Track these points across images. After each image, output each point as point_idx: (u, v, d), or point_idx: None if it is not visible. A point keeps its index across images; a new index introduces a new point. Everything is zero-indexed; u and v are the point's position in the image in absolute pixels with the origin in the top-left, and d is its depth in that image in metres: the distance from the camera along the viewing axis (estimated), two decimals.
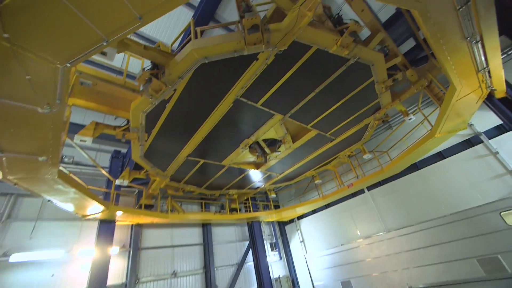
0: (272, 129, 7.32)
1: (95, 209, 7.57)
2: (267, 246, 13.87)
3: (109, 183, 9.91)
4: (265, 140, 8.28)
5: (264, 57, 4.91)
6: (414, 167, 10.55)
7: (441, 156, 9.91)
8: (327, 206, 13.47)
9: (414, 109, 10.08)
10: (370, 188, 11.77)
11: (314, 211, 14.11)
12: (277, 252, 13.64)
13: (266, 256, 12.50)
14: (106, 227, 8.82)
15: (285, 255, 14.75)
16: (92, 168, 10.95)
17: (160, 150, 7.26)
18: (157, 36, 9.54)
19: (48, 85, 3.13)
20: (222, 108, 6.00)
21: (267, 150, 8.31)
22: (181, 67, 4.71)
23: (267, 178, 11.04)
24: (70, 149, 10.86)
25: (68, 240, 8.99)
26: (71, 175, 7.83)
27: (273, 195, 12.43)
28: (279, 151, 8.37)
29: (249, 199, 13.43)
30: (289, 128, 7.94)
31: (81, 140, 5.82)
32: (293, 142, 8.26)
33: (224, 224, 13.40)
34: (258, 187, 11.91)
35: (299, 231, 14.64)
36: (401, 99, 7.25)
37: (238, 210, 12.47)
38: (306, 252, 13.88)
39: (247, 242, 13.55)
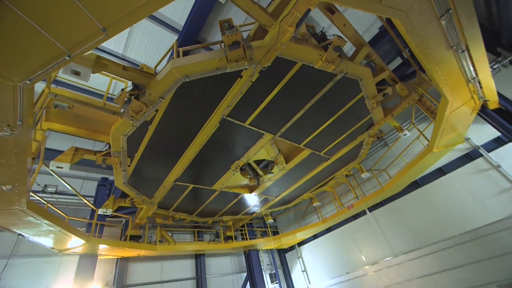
0: (263, 150, 7.02)
1: (74, 243, 6.93)
2: (267, 278, 12.77)
3: (93, 213, 9.31)
4: (257, 162, 7.93)
5: (248, 74, 4.78)
6: (416, 185, 10.11)
7: (441, 172, 9.54)
8: (329, 230, 12.71)
9: (409, 125, 9.93)
10: (371, 209, 11.18)
11: (315, 236, 13.28)
12: (277, 285, 12.52)
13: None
14: (87, 262, 8.06)
15: (287, 287, 13.55)
16: (78, 197, 10.39)
17: (145, 176, 6.86)
18: (142, 60, 9.66)
19: (6, 105, 2.87)
20: (208, 128, 5.75)
21: (259, 172, 7.92)
22: (162, 86, 4.53)
23: (263, 202, 10.48)
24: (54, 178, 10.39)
25: (44, 279, 8.15)
26: (50, 205, 7.34)
27: (271, 220, 11.73)
28: (272, 173, 7.98)
29: (245, 225, 12.66)
30: (281, 148, 7.66)
31: (57, 167, 5.45)
32: (287, 162, 7.92)
33: (219, 254, 12.46)
34: (253, 212, 11.27)
35: (300, 259, 13.64)
36: (393, 115, 7.09)
37: (233, 238, 11.66)
38: (310, 283, 12.78)
39: (245, 274, 12.49)
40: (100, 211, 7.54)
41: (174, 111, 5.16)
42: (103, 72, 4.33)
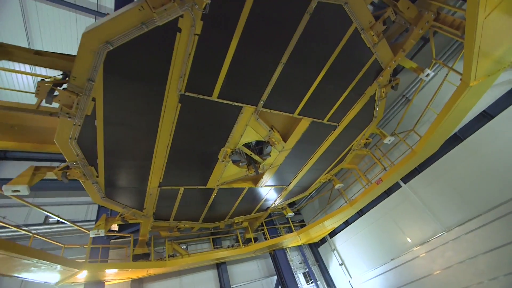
0: (249, 129, 5.78)
1: (65, 273, 6.26)
2: (300, 278, 11.36)
3: (97, 239, 8.74)
4: (249, 146, 6.72)
5: (188, 24, 3.63)
6: (456, 139, 8.15)
7: (487, 116, 7.52)
8: (360, 213, 11.00)
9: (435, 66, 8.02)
10: (406, 179, 9.33)
11: (346, 223, 11.62)
12: (313, 284, 11.04)
13: None
14: None
15: (327, 286, 11.99)
16: (85, 222, 9.98)
17: (123, 186, 5.98)
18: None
19: None
20: (168, 112, 4.68)
21: (254, 157, 6.69)
22: (82, 62, 3.55)
23: (275, 194, 9.18)
24: (57, 208, 10.10)
25: None
26: (40, 237, 6.79)
27: (290, 214, 10.35)
28: (269, 155, 6.70)
29: (263, 224, 11.41)
30: (274, 125, 6.36)
31: (13, 191, 4.72)
32: (285, 140, 6.59)
33: (243, 260, 11.34)
34: (268, 208, 9.99)
35: (335, 252, 12.02)
36: (405, 50, 5.45)
37: (253, 240, 10.48)
38: (351, 277, 11.12)
39: (276, 277, 11.22)
40: (92, 234, 6.81)
41: (116, 98, 4.17)
42: (9, 60, 3.46)
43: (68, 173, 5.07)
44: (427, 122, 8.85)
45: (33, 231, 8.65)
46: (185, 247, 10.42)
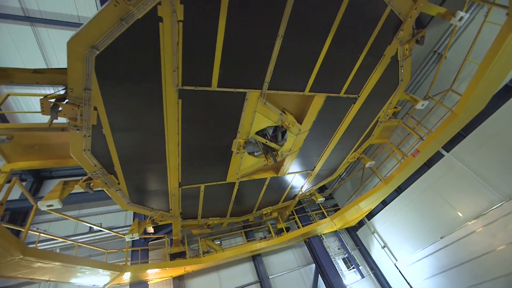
0: (259, 115, 5.43)
1: (107, 277, 6.70)
2: (340, 264, 10.89)
3: (137, 242, 9.27)
4: (265, 135, 6.38)
5: (169, 11, 3.37)
6: (508, 91, 6.86)
7: None
8: (399, 191, 10.05)
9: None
10: (448, 147, 8.21)
11: (384, 203, 10.75)
12: (354, 270, 10.49)
13: (340, 278, 9.59)
14: None
15: (370, 270, 11.34)
16: (124, 228, 10.65)
17: (146, 189, 6.10)
18: None
19: None
20: (171, 110, 4.54)
21: (270, 144, 6.34)
22: (74, 73, 3.53)
23: (301, 180, 8.75)
24: (100, 217, 10.93)
25: None
26: (84, 244, 7.32)
27: (321, 199, 9.84)
28: (284, 140, 6.29)
29: (294, 212, 11.07)
30: (286, 107, 5.91)
31: (48, 206, 5.06)
32: (300, 122, 6.11)
33: (278, 251, 11.20)
34: (295, 195, 9.61)
35: (375, 234, 11.25)
36: None
37: (284, 230, 10.23)
38: (396, 259, 10.33)
39: (314, 265, 10.90)
40: (127, 238, 7.15)
41: (116, 103, 4.13)
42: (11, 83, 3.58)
43: (91, 184, 5.27)
44: (468, 77, 7.59)
45: (80, 240, 9.52)
46: (219, 242, 10.60)
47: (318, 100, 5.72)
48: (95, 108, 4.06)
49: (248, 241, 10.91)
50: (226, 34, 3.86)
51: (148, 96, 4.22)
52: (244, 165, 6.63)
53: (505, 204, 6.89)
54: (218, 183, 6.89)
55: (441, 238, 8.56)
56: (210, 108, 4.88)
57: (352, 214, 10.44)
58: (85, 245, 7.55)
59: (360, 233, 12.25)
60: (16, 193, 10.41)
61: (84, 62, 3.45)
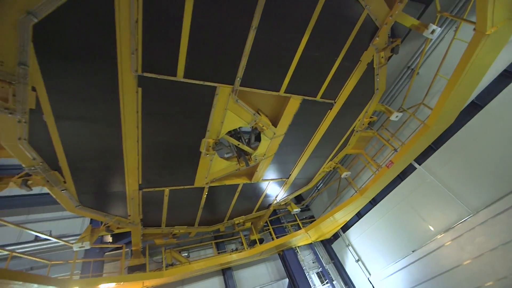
0: (230, 113, 5.06)
1: None
2: (314, 279, 10.48)
3: (91, 252, 8.24)
4: (237, 137, 6.01)
5: None
6: (474, 107, 7.15)
7: (509, 75, 6.50)
8: (373, 203, 10.03)
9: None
10: (420, 160, 8.34)
11: (359, 215, 10.65)
12: (328, 285, 10.11)
13: None
14: None
15: (344, 285, 11.02)
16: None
17: (98, 191, 5.38)
18: None
19: None
20: (128, 99, 4.04)
21: (243, 147, 5.96)
22: (6, 42, 2.96)
23: (276, 188, 8.39)
24: (52, 223, 9.70)
25: None
26: (22, 255, 6.29)
27: (296, 209, 9.52)
28: (257, 142, 5.96)
29: (268, 223, 10.62)
30: (261, 108, 5.62)
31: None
32: (275, 125, 5.83)
33: (250, 264, 10.55)
34: (270, 205, 9.20)
35: (350, 247, 11.05)
36: (402, 1, 4.62)
37: (257, 241, 9.70)
38: (370, 273, 10.13)
39: (287, 280, 10.37)
40: (75, 247, 6.25)
41: (61, 85, 3.56)
42: None
43: (29, 181, 4.51)
44: (439, 92, 7.85)
45: (21, 250, 8.28)
46: (186, 254, 9.77)
47: (294, 103, 5.50)
48: (34, 89, 3.46)
49: (219, 253, 10.18)
50: (193, 17, 3.52)
51: (101, 80, 3.70)
52: (214, 168, 6.15)
53: (471, 218, 6.99)
54: (185, 187, 6.32)
55: (413, 251, 8.51)
56: (175, 102, 4.43)
57: (327, 226, 10.20)
58: (24, 256, 6.47)
59: (335, 246, 12.00)
60: None
61: (19, 30, 2.90)
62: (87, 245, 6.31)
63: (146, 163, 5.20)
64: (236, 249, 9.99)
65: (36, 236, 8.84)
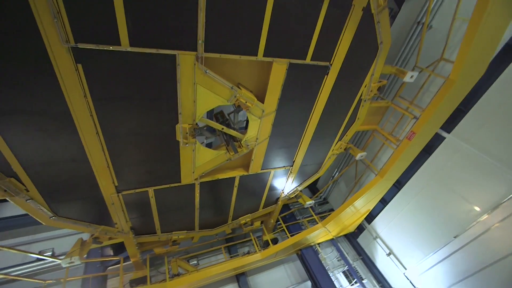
0: (201, 89, 4.27)
1: None
2: (341, 279, 9.28)
3: (92, 267, 7.77)
4: (218, 118, 5.20)
5: None
6: (509, 51, 5.77)
7: None
8: (398, 186, 8.71)
9: None
10: (448, 128, 6.99)
11: (384, 202, 9.34)
12: (358, 285, 8.84)
13: None
14: None
15: (377, 283, 9.68)
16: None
17: (72, 198, 4.79)
18: None
19: None
20: (68, 78, 3.37)
21: (228, 131, 5.13)
22: None
23: (282, 178, 7.43)
24: (56, 241, 9.44)
25: None
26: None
27: (309, 202, 8.45)
28: (240, 121, 5.11)
29: (280, 220, 9.62)
30: (242, 83, 4.79)
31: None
32: (262, 100, 4.95)
33: (266, 267, 9.60)
34: (277, 199, 8.23)
35: (378, 240, 9.71)
36: None
37: (270, 242, 8.74)
38: (405, 268, 8.74)
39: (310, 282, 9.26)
40: (64, 264, 5.71)
41: None
42: None
43: None
44: (459, 44, 6.55)
45: (30, 268, 8.00)
46: (195, 262, 9.05)
47: (279, 69, 4.59)
48: None
49: (231, 257, 9.34)
50: None
51: (30, 60, 3.06)
52: (200, 160, 5.36)
53: None
54: (172, 185, 5.58)
55: (454, 237, 7.10)
56: (130, 80, 3.72)
57: (348, 218, 8.99)
58: (18, 278, 6.09)
59: (361, 240, 10.68)
60: None
61: None
62: (76, 261, 5.75)
63: (116, 160, 4.53)
64: (248, 252, 9.09)
65: (41, 253, 8.59)
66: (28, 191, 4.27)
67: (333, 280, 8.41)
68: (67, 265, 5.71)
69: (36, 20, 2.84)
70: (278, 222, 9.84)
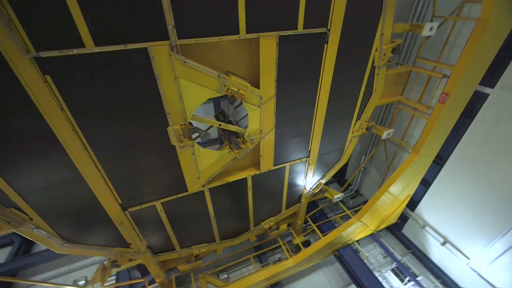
0: (185, 83, 3.85)
1: None
2: (391, 278, 8.10)
3: None
4: (219, 118, 4.74)
5: None
6: None
7: None
8: (440, 162, 7.49)
9: None
10: (490, 82, 5.81)
11: (426, 183, 8.10)
12: (412, 283, 7.60)
13: None
14: None
15: (436, 279, 8.31)
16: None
17: (77, 222, 4.59)
18: None
19: None
20: (39, 91, 3.14)
21: (226, 126, 4.65)
22: None
23: (300, 172, 6.71)
24: (88, 269, 9.55)
25: None
26: None
27: (337, 195, 7.56)
28: (236, 112, 4.59)
29: (309, 219, 8.77)
30: (232, 70, 4.32)
31: None
32: (257, 86, 4.41)
33: (303, 274, 8.74)
34: (300, 197, 7.47)
35: (427, 228, 8.40)
36: None
37: (301, 245, 7.94)
38: (468, 258, 7.35)
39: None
40: None
41: None
42: None
43: None
44: None
45: None
46: (225, 276, 8.52)
47: (268, 45, 4.04)
48: None
49: (262, 266, 8.66)
50: None
51: None
52: (202, 164, 4.92)
53: None
54: (179, 196, 5.20)
55: None
56: (105, 84, 3.42)
57: (386, 207, 7.91)
58: None
59: (407, 231, 9.37)
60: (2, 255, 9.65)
61: None
62: (98, 287, 5.59)
63: (112, 176, 4.26)
64: (279, 259, 8.35)
65: (74, 282, 8.71)
66: (32, 219, 4.13)
67: (381, 280, 7.30)
68: None
69: None
70: (308, 223, 9.00)
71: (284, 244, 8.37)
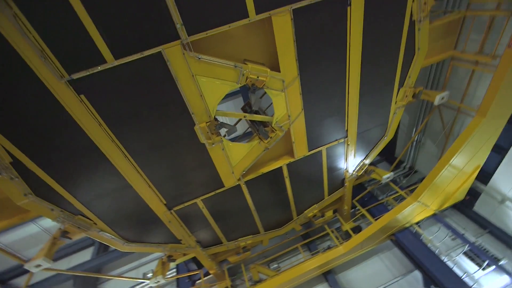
0: (203, 80, 3.82)
1: None
2: (464, 263, 7.09)
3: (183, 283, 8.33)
4: (246, 110, 4.66)
5: None
6: None
7: None
8: None
9: None
10: None
11: (499, 150, 6.76)
12: (494, 267, 6.49)
13: (467, 286, 5.94)
14: None
15: None
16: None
17: (132, 224, 5.09)
18: None
19: None
20: (79, 112, 3.48)
21: (251, 117, 4.52)
22: None
23: (339, 154, 6.23)
24: (140, 269, 10.65)
25: None
26: None
27: (387, 175, 6.82)
28: (260, 100, 4.37)
29: (356, 204, 8.15)
30: (248, 58, 4.14)
31: (36, 266, 4.59)
32: (277, 70, 4.15)
33: (357, 261, 8.26)
34: (343, 180, 6.96)
35: (508, 203, 7.03)
36: None
37: (351, 232, 7.47)
38: None
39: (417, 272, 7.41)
40: (151, 283, 6.22)
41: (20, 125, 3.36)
42: None
43: (67, 234, 4.61)
44: None
45: None
46: (276, 266, 8.60)
47: (282, 23, 3.72)
48: None
49: (312, 255, 8.48)
50: None
51: (37, 102, 3.27)
52: (234, 158, 4.91)
53: None
54: (217, 191, 5.33)
55: None
56: (130, 95, 3.62)
57: (449, 183, 6.86)
58: None
59: (479, 208, 8.01)
60: None
61: None
62: (161, 279, 6.18)
63: (153, 178, 4.56)
64: (329, 247, 8.03)
65: (144, 275, 9.86)
66: (96, 224, 4.72)
67: (451, 265, 6.42)
68: (155, 284, 6.15)
69: (29, 64, 2.99)
70: (356, 208, 8.42)
71: (332, 232, 8.00)
